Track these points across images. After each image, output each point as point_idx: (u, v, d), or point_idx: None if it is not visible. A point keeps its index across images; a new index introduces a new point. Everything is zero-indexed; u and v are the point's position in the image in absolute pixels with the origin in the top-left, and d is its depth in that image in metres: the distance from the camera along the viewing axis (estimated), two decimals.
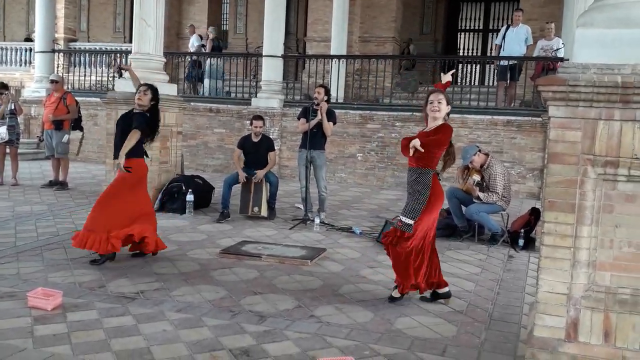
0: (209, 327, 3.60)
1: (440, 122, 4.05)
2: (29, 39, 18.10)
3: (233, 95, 13.02)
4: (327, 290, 4.47)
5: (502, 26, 12.56)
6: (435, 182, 4.04)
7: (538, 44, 10.88)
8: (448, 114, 4.11)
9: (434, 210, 4.07)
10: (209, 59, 13.24)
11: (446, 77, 4.29)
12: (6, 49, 16.51)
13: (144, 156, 5.29)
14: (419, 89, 12.01)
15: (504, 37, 10.85)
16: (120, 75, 5.70)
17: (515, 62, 10.61)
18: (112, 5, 18.45)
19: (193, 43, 14.64)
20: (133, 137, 5.03)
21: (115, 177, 5.23)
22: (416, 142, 3.92)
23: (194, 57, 13.67)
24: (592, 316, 2.81)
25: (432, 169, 4.04)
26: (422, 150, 3.91)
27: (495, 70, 11.42)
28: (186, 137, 11.14)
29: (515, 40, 10.67)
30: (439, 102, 4.02)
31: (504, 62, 10.73)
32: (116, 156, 5.08)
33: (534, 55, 10.83)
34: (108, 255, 4.96)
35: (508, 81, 10.79)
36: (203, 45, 13.97)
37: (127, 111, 5.45)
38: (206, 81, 12.97)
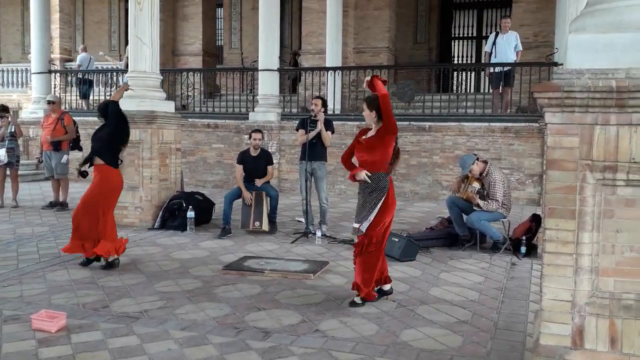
0: (214, 345, 3.59)
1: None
2: None
3: (230, 110, 13.06)
4: (331, 303, 4.46)
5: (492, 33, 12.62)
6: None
7: None
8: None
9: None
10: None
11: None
12: (3, 70, 16.58)
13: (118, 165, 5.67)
14: (415, 98, 12.03)
15: (494, 44, 10.91)
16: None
17: (509, 68, 10.66)
18: (107, 24, 18.52)
19: (79, 62, 14.74)
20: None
21: (91, 187, 5.51)
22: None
23: (81, 75, 14.16)
24: (598, 323, 2.80)
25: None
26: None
27: (489, 77, 11.46)
28: (185, 153, 11.16)
29: (506, 47, 10.73)
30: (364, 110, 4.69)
31: (496, 69, 10.78)
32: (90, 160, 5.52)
33: None
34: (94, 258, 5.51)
35: (501, 87, 10.83)
36: (80, 65, 14.49)
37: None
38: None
